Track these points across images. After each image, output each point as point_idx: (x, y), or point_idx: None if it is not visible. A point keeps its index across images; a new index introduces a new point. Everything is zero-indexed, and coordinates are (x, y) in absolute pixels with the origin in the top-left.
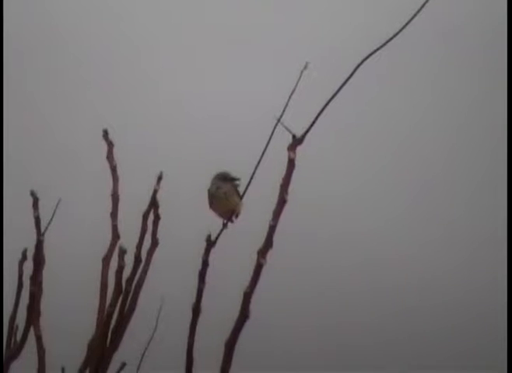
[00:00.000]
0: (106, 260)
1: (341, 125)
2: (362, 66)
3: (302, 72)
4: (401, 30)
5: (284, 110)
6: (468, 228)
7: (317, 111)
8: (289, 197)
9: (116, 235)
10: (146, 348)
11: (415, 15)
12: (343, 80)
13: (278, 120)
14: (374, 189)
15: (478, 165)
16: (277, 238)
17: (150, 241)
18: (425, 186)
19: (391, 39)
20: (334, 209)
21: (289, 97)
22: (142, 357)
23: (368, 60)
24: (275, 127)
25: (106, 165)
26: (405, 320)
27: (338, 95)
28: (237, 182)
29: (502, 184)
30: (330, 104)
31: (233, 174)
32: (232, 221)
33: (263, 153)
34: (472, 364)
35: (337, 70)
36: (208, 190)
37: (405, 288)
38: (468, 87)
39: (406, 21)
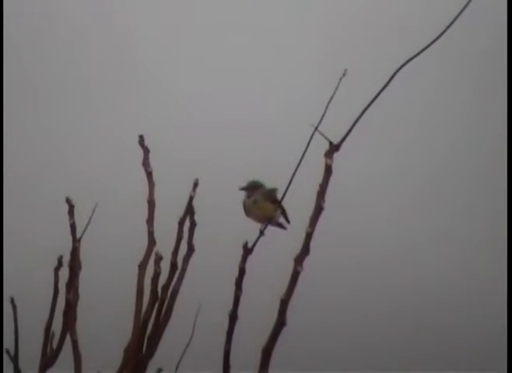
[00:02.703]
0: (142, 267)
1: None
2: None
3: (340, 79)
4: (438, 37)
5: (322, 117)
6: (468, 228)
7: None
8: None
9: (152, 242)
10: (183, 354)
11: (452, 22)
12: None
13: (316, 128)
14: (374, 189)
15: (478, 165)
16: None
17: (186, 247)
18: (424, 185)
19: (429, 46)
20: (333, 209)
21: (327, 104)
22: (178, 364)
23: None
24: (312, 135)
25: (142, 170)
26: (405, 320)
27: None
28: (268, 188)
29: (502, 184)
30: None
31: (267, 180)
32: (285, 228)
33: (301, 160)
34: (472, 364)
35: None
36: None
37: (405, 288)
38: (468, 87)
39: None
